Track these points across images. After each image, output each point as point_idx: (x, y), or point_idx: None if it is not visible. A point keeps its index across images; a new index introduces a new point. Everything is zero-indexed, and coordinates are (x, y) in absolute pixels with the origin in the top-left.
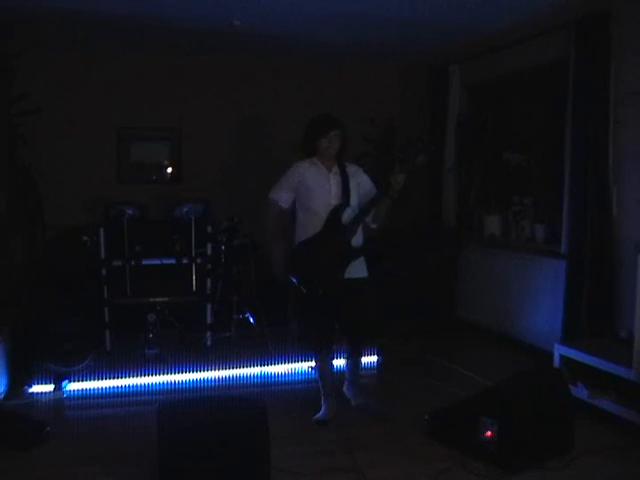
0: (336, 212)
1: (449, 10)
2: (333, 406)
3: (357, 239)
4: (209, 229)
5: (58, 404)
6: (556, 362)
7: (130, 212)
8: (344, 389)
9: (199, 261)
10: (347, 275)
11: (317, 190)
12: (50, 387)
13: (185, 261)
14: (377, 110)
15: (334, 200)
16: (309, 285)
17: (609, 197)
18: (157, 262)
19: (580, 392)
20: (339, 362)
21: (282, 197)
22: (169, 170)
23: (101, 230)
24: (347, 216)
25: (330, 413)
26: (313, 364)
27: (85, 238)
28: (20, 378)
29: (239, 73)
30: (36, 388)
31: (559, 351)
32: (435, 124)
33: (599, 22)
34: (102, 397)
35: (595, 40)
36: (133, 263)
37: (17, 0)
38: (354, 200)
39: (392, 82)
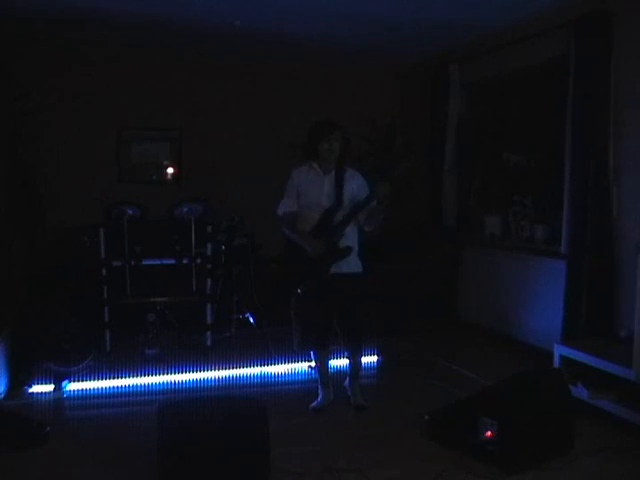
0: (327, 214)
1: (449, 10)
2: (329, 395)
3: (348, 239)
4: (209, 229)
5: (58, 404)
6: (556, 362)
7: (130, 212)
8: (345, 383)
9: (199, 261)
10: (339, 270)
11: (311, 192)
12: (50, 387)
13: (185, 261)
14: (377, 110)
15: (325, 200)
16: (296, 283)
17: (609, 197)
18: (157, 262)
19: (580, 392)
20: (339, 362)
21: (289, 205)
22: (169, 170)
23: (101, 230)
24: (338, 218)
25: (326, 402)
26: (313, 363)
27: (85, 238)
28: (20, 378)
29: (239, 73)
30: (36, 388)
31: (559, 351)
32: (435, 124)
33: (600, 21)
34: (102, 397)
35: (596, 39)
36: (133, 263)
37: (17, 0)
38: (346, 203)
39: (392, 82)
